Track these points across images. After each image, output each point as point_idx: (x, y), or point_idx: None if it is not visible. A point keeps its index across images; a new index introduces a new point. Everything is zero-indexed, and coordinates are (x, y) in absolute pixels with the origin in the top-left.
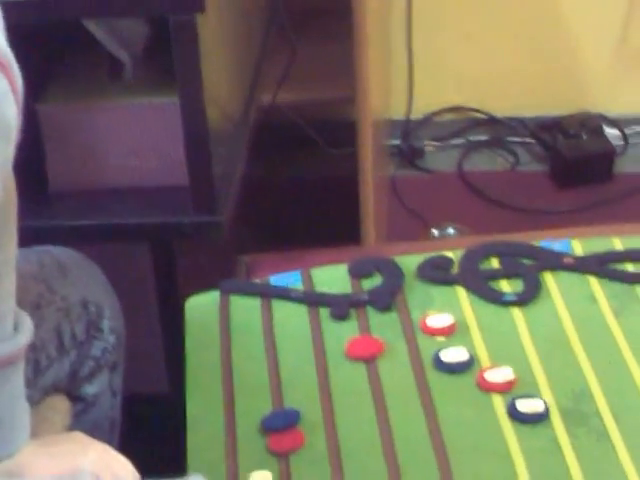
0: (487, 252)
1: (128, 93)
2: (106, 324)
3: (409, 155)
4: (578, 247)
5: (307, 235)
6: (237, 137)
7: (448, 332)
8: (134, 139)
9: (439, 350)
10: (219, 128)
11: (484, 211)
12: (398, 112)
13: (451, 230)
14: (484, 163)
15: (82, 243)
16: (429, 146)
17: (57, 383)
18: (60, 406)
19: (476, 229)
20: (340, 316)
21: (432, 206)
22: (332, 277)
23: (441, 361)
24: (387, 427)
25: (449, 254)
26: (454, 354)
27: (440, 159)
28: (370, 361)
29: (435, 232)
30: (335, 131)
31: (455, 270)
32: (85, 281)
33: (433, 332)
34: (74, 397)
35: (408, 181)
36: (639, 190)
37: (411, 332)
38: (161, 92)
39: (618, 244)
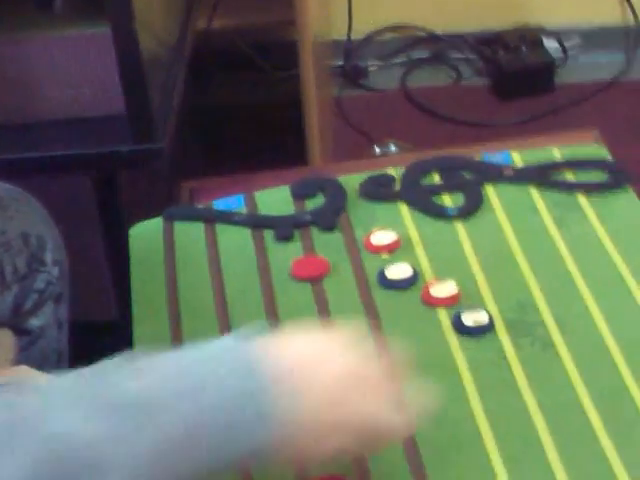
0: (428, 167)
1: (59, 24)
2: (48, 256)
3: (352, 75)
4: (518, 158)
5: (253, 159)
6: (174, 63)
7: (392, 249)
8: (68, 70)
9: (384, 267)
10: (154, 55)
11: (428, 127)
12: (339, 33)
13: (393, 147)
14: (427, 79)
15: (20, 177)
16: (372, 65)
17: (0, 318)
18: (4, 341)
19: (421, 145)
20: (284, 237)
21: (377, 124)
22: (275, 199)
23: (386, 278)
24: None
25: (391, 171)
26: (398, 270)
27: (383, 77)
28: (315, 281)
29: (377, 150)
30: (277, 54)
31: (397, 187)
32: (24, 215)
33: (377, 249)
34: (19, 331)
35: (352, 100)
36: (579, 100)
37: (355, 251)
38: (93, 21)
39: (558, 154)
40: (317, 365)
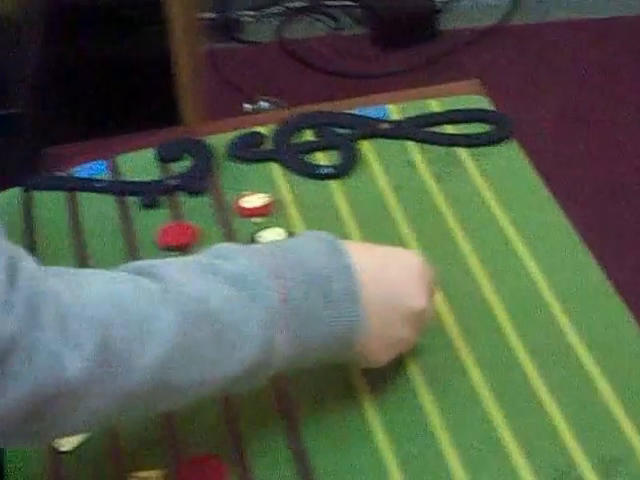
0: (301, 124)
1: None
2: None
3: (226, 27)
4: (395, 112)
5: (122, 120)
6: (26, 21)
7: (264, 212)
8: None
9: (256, 232)
10: (3, 12)
11: (307, 79)
12: None
13: (264, 103)
14: (304, 30)
15: None
16: (245, 16)
17: None
18: None
19: (300, 99)
20: (150, 204)
21: (254, 79)
22: (140, 163)
23: (257, 243)
24: None
25: (261, 129)
26: (271, 235)
27: (258, 29)
28: (184, 249)
29: (248, 107)
30: (143, 7)
31: (268, 146)
32: None
33: (249, 214)
34: None
35: (227, 55)
36: (464, 46)
37: (226, 216)
38: None
39: (437, 106)
40: (389, 259)
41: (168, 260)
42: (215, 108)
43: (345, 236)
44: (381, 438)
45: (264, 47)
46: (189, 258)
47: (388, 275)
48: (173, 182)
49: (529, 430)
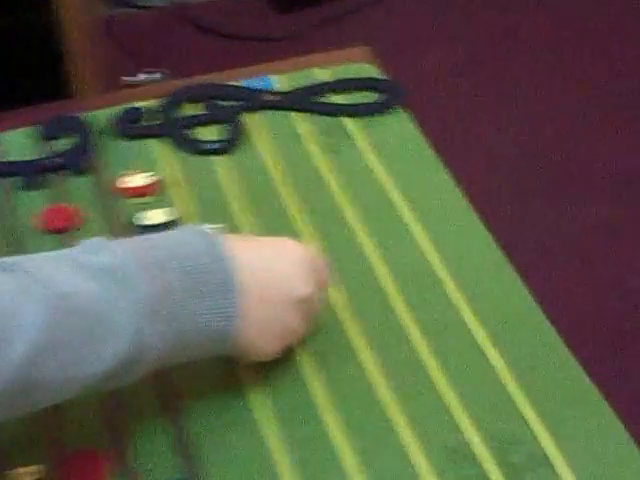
0: (185, 97)
1: None
2: None
3: None
4: (282, 82)
5: (10, 95)
6: None
7: (148, 192)
8: None
9: (140, 213)
10: None
11: (204, 44)
12: None
13: (150, 76)
14: None
15: None
16: None
17: None
18: None
19: (197, 64)
20: (30, 185)
21: (151, 46)
22: (20, 142)
23: (142, 225)
24: None
25: (145, 104)
26: (155, 215)
27: None
28: (66, 231)
29: (133, 79)
30: None
31: (152, 121)
32: None
33: (131, 194)
34: None
35: (121, 20)
36: (362, 7)
37: (108, 196)
38: None
39: (325, 75)
40: (270, 251)
41: (33, 256)
42: (115, 78)
43: (231, 215)
44: (268, 424)
45: (161, 12)
46: (55, 253)
47: (269, 266)
48: (54, 161)
49: (421, 409)
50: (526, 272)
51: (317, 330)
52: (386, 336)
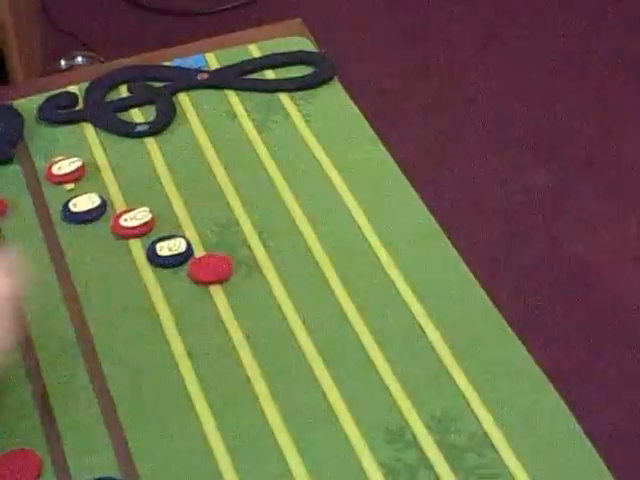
0: (113, 80)
1: None
2: None
3: None
4: (213, 60)
5: None
6: None
7: (76, 178)
8: None
9: (69, 200)
10: None
11: (139, 21)
12: None
13: (80, 59)
14: None
15: None
16: None
17: None
18: None
19: (137, 42)
20: None
21: (86, 24)
22: None
23: (70, 211)
24: None
25: (73, 88)
26: (84, 202)
27: None
28: None
29: (63, 64)
30: None
31: (83, 105)
32: None
33: (60, 180)
34: None
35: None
36: None
37: (36, 184)
38: None
39: (256, 51)
40: None
41: None
42: (52, 61)
43: (164, 199)
44: (204, 413)
45: None
46: None
47: None
48: None
49: (359, 391)
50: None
51: (251, 308)
52: (321, 314)
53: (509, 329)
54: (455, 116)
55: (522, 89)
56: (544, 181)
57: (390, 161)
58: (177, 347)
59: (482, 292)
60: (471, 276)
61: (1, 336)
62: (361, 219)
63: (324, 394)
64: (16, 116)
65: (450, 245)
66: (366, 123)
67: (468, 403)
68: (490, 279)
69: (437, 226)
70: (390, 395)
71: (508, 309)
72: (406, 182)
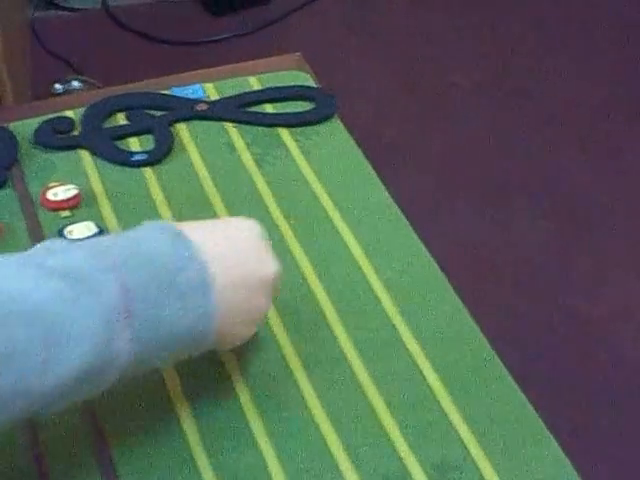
0: (112, 106)
1: None
2: None
3: None
4: (212, 91)
5: None
6: None
7: (73, 205)
8: None
9: (64, 227)
10: None
11: (137, 49)
12: None
13: (76, 83)
14: None
15: None
16: None
17: None
18: None
19: (130, 70)
20: None
21: (79, 49)
22: None
23: (66, 239)
24: None
25: (70, 113)
26: (81, 230)
27: None
28: None
29: (59, 87)
30: None
31: (80, 131)
32: None
33: (55, 207)
34: None
35: (50, 23)
36: (294, 10)
37: (31, 209)
38: None
39: (256, 83)
40: (230, 231)
41: None
42: (42, 83)
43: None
44: (196, 444)
45: (89, 15)
46: (17, 255)
47: (231, 248)
48: None
49: (358, 435)
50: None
51: (252, 346)
52: (321, 355)
53: (510, 377)
54: (451, 150)
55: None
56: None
57: (390, 202)
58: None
59: (484, 339)
60: (472, 322)
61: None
62: (361, 259)
63: (323, 439)
64: (10, 138)
65: (452, 291)
66: (366, 162)
67: (468, 452)
68: (493, 329)
69: (439, 272)
70: (390, 442)
71: (508, 357)
72: (407, 224)
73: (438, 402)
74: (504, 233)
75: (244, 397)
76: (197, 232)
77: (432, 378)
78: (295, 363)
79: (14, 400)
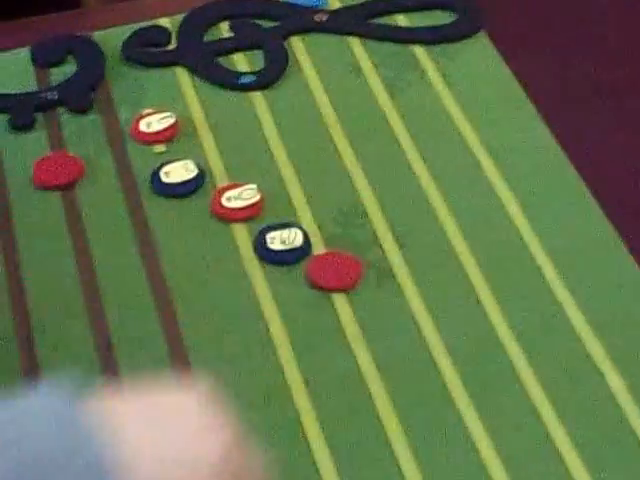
0: (213, 15)
1: None
2: None
3: None
4: None
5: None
6: None
7: (169, 138)
8: None
9: (159, 167)
10: None
11: None
12: None
13: None
14: None
15: None
16: None
17: None
18: None
19: None
20: (22, 125)
21: None
22: (10, 68)
23: (161, 181)
24: (91, 278)
25: (165, 22)
26: (178, 171)
27: None
28: (66, 188)
29: None
30: None
31: (174, 45)
32: None
33: (149, 139)
34: None
35: None
36: None
37: (119, 141)
38: None
39: None
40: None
41: None
42: None
43: (274, 173)
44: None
45: None
46: None
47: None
48: (51, 95)
49: (520, 443)
50: None
51: (382, 327)
52: (471, 339)
53: None
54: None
55: None
56: None
57: (553, 143)
58: (291, 371)
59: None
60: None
61: None
62: (518, 218)
63: (473, 446)
64: (97, 53)
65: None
66: (522, 92)
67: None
68: None
69: (615, 233)
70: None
71: None
72: (574, 172)
73: (620, 407)
74: None
75: (376, 392)
76: (118, 415)
77: (615, 383)
78: (437, 347)
79: None
